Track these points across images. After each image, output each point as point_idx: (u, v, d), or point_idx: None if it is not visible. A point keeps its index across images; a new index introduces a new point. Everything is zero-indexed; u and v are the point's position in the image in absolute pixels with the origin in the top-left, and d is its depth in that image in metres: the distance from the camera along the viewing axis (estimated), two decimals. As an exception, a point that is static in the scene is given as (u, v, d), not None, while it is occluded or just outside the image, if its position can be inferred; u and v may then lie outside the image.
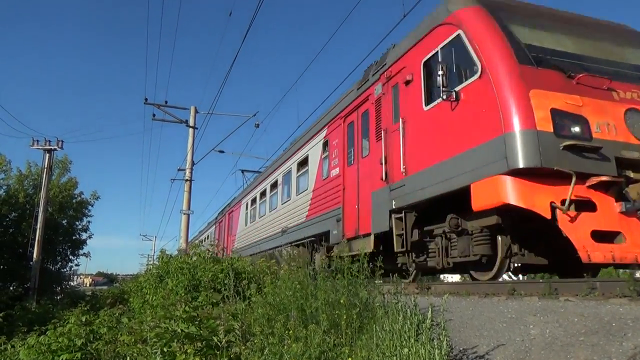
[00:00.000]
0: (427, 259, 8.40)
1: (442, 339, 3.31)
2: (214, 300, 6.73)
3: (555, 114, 6.06)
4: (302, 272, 5.56)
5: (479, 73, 6.64)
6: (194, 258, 9.57)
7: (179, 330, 4.08)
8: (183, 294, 7.47)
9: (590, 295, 4.77)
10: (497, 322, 4.25)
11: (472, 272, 8.21)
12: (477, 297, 5.86)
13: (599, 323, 3.58)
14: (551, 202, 5.86)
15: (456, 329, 4.31)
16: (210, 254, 9.89)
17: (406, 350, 3.34)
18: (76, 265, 34.15)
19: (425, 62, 7.98)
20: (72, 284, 35.49)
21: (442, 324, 3.49)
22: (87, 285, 79.93)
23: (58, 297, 25.57)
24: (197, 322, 4.43)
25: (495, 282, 7.11)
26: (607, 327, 3.46)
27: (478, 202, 6.47)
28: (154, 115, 21.44)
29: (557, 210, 5.82)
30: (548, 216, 5.84)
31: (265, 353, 3.82)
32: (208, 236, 30.92)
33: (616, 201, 6.02)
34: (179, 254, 11.79)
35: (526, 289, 5.80)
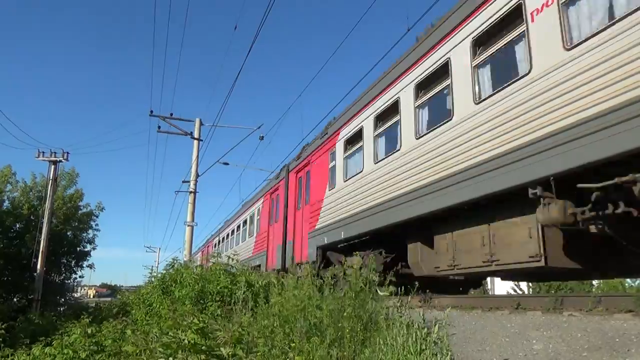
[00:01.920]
0: None
1: (445, 354, 3.32)
2: (219, 313, 6.72)
3: None
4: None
5: None
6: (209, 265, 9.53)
7: (187, 341, 4.10)
8: (190, 305, 7.47)
9: (594, 310, 4.75)
10: (500, 336, 4.24)
11: None
12: (481, 311, 5.84)
13: (603, 338, 3.58)
14: None
15: (459, 343, 4.30)
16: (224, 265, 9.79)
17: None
18: (80, 276, 34.21)
19: None
20: (75, 295, 35.39)
21: (445, 339, 3.51)
22: (91, 296, 79.73)
23: (61, 309, 25.54)
24: (205, 334, 4.44)
25: (499, 296, 7.08)
26: (610, 343, 3.46)
27: None
28: (159, 127, 21.60)
29: None
30: None
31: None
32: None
33: None
34: (188, 264, 11.71)
35: (530, 303, 5.77)
